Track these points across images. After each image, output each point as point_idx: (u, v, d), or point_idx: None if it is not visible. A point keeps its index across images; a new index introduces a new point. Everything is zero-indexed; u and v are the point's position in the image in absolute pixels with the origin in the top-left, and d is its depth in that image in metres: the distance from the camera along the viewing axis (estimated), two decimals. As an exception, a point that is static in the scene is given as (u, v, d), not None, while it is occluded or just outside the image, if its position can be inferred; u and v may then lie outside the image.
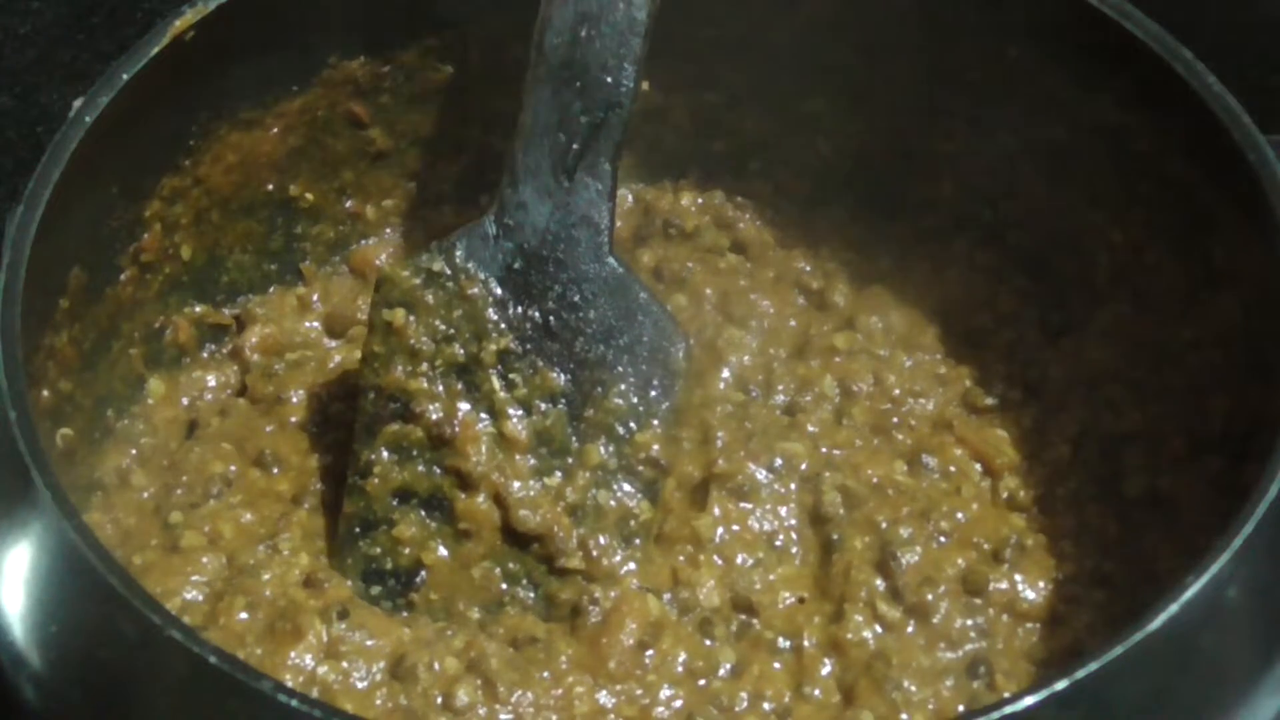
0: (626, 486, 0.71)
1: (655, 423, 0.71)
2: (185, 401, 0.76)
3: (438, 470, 0.71)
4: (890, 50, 0.78)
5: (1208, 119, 0.68)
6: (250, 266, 0.79)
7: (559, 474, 0.71)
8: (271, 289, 0.80)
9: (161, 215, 0.75)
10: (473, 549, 0.70)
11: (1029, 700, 0.55)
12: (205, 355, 0.78)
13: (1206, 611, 0.58)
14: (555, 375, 0.71)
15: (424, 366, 0.71)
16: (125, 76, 0.69)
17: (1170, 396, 0.73)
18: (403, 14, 0.78)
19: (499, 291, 0.72)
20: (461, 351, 0.71)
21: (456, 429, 0.71)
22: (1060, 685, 0.55)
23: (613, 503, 0.71)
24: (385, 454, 0.71)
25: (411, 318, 0.72)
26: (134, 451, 0.74)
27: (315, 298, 0.80)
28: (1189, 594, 0.57)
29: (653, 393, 0.71)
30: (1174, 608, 0.57)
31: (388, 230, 0.82)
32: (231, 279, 0.79)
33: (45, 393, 0.69)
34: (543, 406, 0.71)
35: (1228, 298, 0.71)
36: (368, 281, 0.80)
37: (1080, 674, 0.55)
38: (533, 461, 0.71)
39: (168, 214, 0.75)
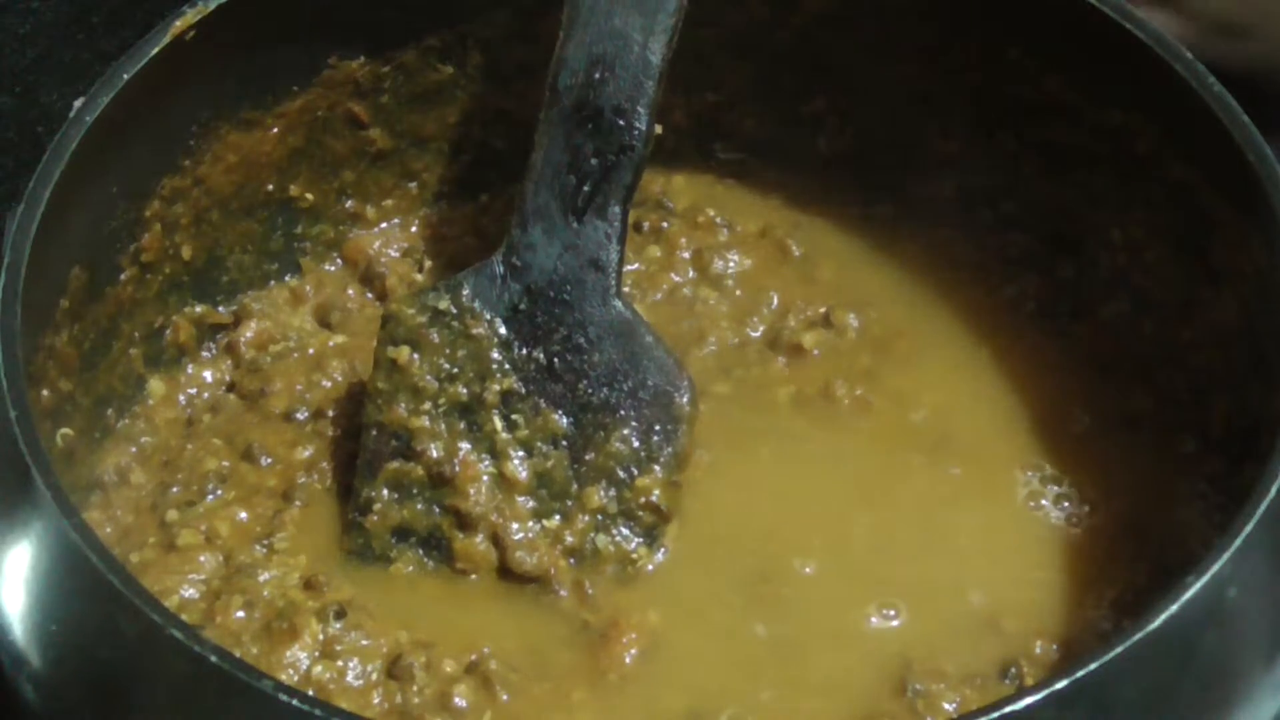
0: (626, 531, 0.71)
1: (657, 468, 0.71)
2: (184, 400, 0.76)
3: (437, 509, 0.71)
4: (890, 50, 0.78)
5: (1208, 119, 0.68)
6: (250, 266, 0.79)
7: (558, 517, 0.70)
8: (270, 287, 0.80)
9: (162, 215, 0.75)
10: (470, 589, 0.70)
11: (1028, 700, 0.55)
12: (205, 355, 0.78)
13: (1206, 611, 0.58)
14: (558, 417, 0.71)
15: (427, 405, 0.71)
16: (125, 76, 0.69)
17: (1170, 397, 0.74)
18: (403, 14, 0.78)
19: (504, 332, 0.71)
20: (464, 391, 0.71)
21: (457, 468, 0.70)
22: (1060, 684, 0.55)
23: (611, 547, 0.70)
24: (386, 492, 0.71)
25: (416, 355, 0.71)
26: (134, 450, 0.74)
27: (308, 289, 0.80)
28: (1189, 594, 0.57)
29: (655, 438, 0.71)
30: (1174, 607, 0.57)
31: (383, 225, 0.82)
32: (232, 279, 0.79)
33: (45, 392, 0.69)
34: (544, 448, 0.71)
35: (1228, 298, 0.71)
36: (358, 270, 0.80)
37: (1080, 673, 0.55)
38: (532, 503, 0.71)
39: (168, 214, 0.75)
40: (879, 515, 0.72)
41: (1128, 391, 0.75)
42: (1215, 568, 0.58)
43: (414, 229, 0.82)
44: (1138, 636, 0.56)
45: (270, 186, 0.79)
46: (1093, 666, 0.56)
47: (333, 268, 0.81)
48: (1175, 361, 0.73)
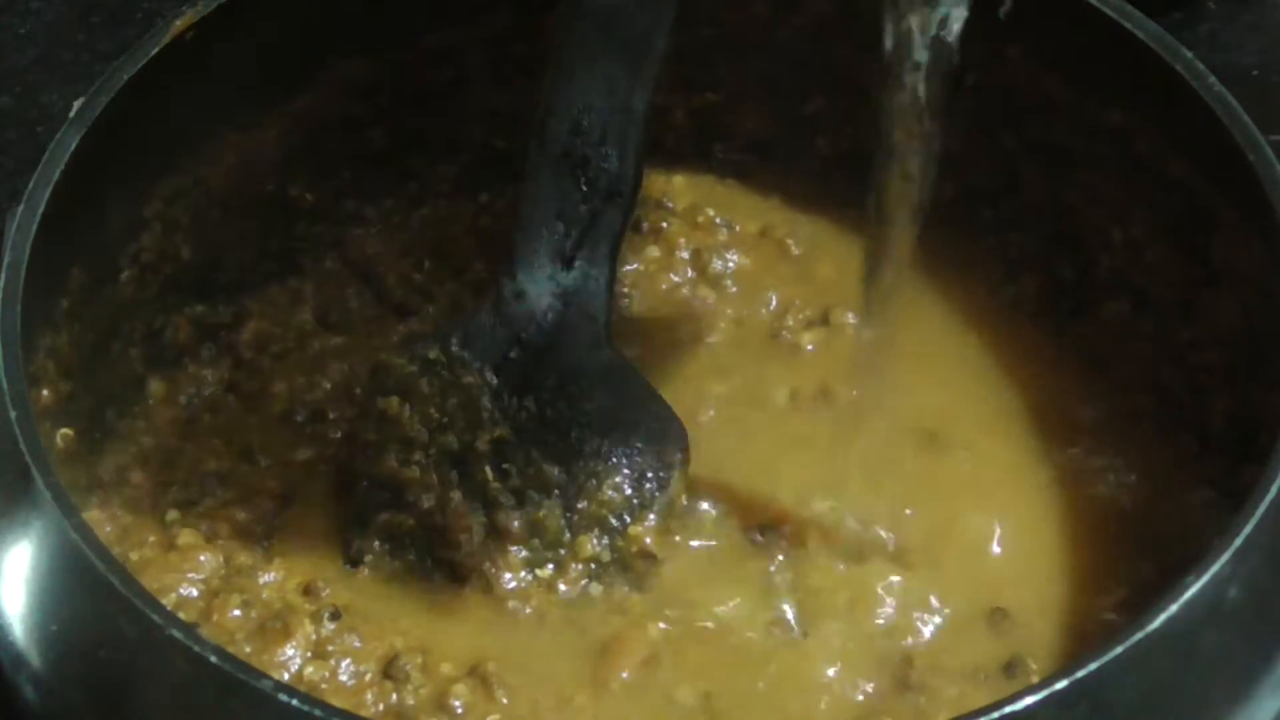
0: (619, 579, 0.70)
1: (650, 515, 0.71)
2: (184, 400, 0.76)
3: (429, 560, 0.71)
4: (890, 50, 0.78)
5: (1208, 119, 0.68)
6: (250, 266, 0.79)
7: (551, 566, 0.70)
8: (270, 287, 0.80)
9: (161, 215, 0.75)
10: (470, 597, 0.70)
11: (1028, 700, 0.55)
12: (204, 354, 0.78)
13: (1206, 611, 0.58)
14: (549, 466, 0.71)
15: (417, 455, 0.71)
16: (125, 76, 0.69)
17: (1170, 396, 0.74)
18: (402, 14, 0.78)
19: (494, 381, 0.71)
20: (455, 441, 0.71)
21: (448, 519, 0.70)
22: (1060, 684, 0.55)
23: (604, 595, 0.70)
24: (377, 544, 0.71)
25: (406, 406, 0.71)
26: (133, 450, 0.74)
27: (308, 289, 0.80)
28: (1189, 594, 0.57)
29: (648, 485, 0.71)
30: (1174, 607, 0.57)
31: (383, 225, 0.82)
32: (231, 279, 0.79)
33: (45, 392, 0.69)
34: (536, 497, 0.71)
35: (1228, 298, 0.71)
36: (357, 270, 0.80)
37: (1080, 673, 0.55)
38: (525, 553, 0.70)
39: (168, 214, 0.75)
40: (878, 515, 0.72)
41: (1127, 391, 0.75)
42: (1215, 567, 0.58)
43: (414, 229, 0.82)
44: (1138, 636, 0.56)
45: (270, 186, 0.79)
46: (1093, 666, 0.56)
47: (332, 267, 0.81)
48: (1175, 361, 0.73)
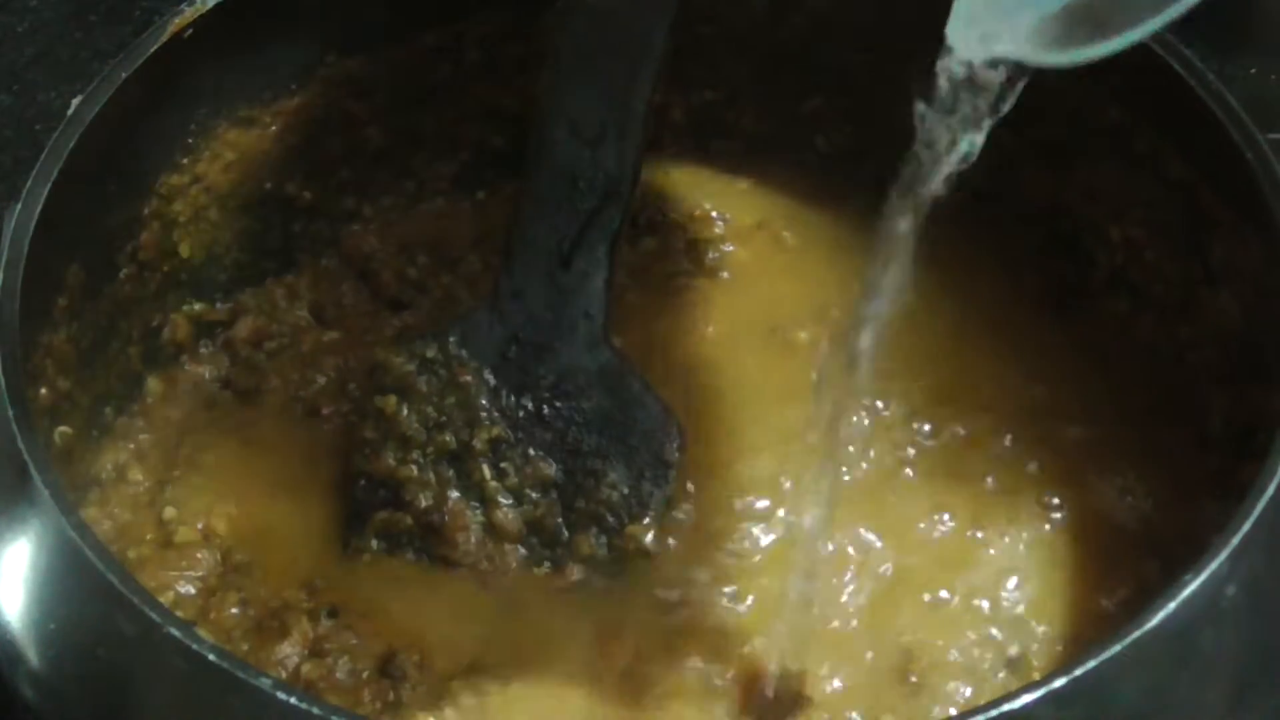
0: (616, 577, 0.70)
1: (648, 514, 0.71)
2: (181, 398, 0.76)
3: (427, 559, 0.71)
4: (890, 50, 0.78)
5: (1208, 119, 0.68)
6: (248, 264, 0.79)
7: (549, 564, 0.70)
8: (265, 283, 0.80)
9: (160, 213, 0.75)
10: (466, 590, 0.70)
11: (1026, 698, 0.55)
12: (202, 352, 0.78)
13: (1205, 609, 0.58)
14: (547, 464, 0.71)
15: (415, 454, 0.71)
16: (124, 74, 0.69)
17: (1169, 396, 0.74)
18: (399, 12, 0.78)
19: (492, 380, 0.71)
20: (453, 439, 0.71)
21: (446, 517, 0.70)
22: (1058, 683, 0.55)
23: (602, 593, 0.70)
24: (374, 542, 0.71)
25: (404, 405, 0.71)
26: (131, 447, 0.74)
27: (303, 285, 0.80)
28: (1187, 592, 0.57)
29: (645, 483, 0.71)
30: (1172, 605, 0.57)
31: (380, 222, 0.82)
32: (230, 277, 0.79)
33: (44, 390, 0.69)
34: (534, 496, 0.71)
35: (1227, 298, 0.71)
36: (354, 267, 0.80)
37: (1078, 671, 0.55)
38: (523, 551, 0.71)
39: (166, 212, 0.75)
40: (877, 508, 0.72)
41: (1126, 389, 0.75)
42: (1213, 566, 0.58)
43: (411, 226, 0.82)
44: (1136, 634, 0.56)
45: (268, 184, 0.79)
46: (1091, 664, 0.56)
47: (329, 264, 0.81)
48: (1174, 360, 0.73)
